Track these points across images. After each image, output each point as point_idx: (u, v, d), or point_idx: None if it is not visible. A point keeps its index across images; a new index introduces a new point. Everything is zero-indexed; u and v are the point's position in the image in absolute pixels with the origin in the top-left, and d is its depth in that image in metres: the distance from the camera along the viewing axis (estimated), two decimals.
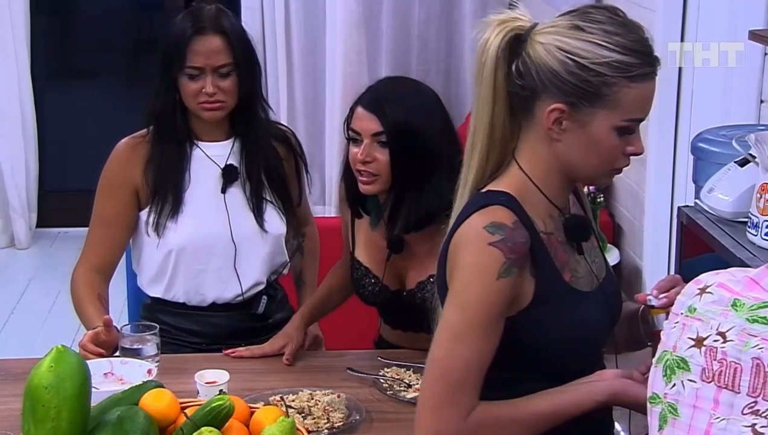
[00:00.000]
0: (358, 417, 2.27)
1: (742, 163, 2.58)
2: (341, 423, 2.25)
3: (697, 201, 2.72)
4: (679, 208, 2.88)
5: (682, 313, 1.44)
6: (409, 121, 2.42)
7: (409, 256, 2.53)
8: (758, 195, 2.42)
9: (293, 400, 2.32)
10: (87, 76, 6.35)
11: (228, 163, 2.69)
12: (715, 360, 1.36)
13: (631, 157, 1.84)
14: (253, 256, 2.73)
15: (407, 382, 2.44)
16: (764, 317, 1.31)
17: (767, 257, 2.32)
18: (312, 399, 2.32)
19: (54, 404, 1.79)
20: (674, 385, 1.42)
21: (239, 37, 2.63)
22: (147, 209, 2.67)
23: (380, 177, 2.44)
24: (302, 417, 2.25)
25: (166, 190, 2.65)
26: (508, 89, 1.80)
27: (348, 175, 2.53)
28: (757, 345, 1.31)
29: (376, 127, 2.42)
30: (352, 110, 2.48)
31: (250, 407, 1.98)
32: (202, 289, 2.72)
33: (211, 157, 2.69)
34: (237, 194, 2.70)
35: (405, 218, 2.47)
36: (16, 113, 5.71)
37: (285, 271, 2.84)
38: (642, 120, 1.81)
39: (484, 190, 1.85)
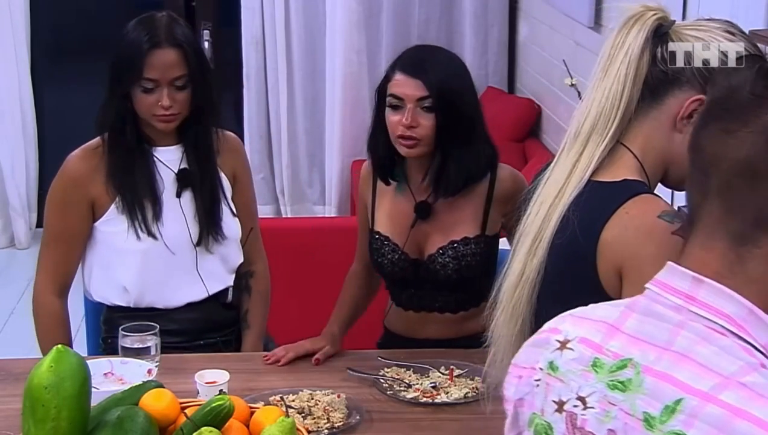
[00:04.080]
0: (358, 417, 2.28)
1: None
2: (341, 423, 2.25)
3: None
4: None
5: (542, 369, 1.35)
6: (451, 85, 2.46)
7: (433, 221, 2.56)
8: None
9: (293, 400, 2.32)
10: (87, 75, 6.33)
11: (181, 167, 2.69)
12: (576, 428, 1.29)
13: None
14: (214, 258, 2.72)
15: (407, 382, 2.44)
16: (623, 383, 1.24)
17: None
18: (312, 399, 2.32)
19: (54, 404, 1.79)
20: None
21: (194, 48, 2.64)
22: (126, 220, 2.64)
23: (423, 141, 2.47)
24: (302, 417, 2.25)
25: (141, 196, 2.64)
26: (647, 73, 1.80)
27: (375, 142, 2.55)
28: (615, 416, 1.24)
29: (421, 92, 2.44)
30: (388, 77, 2.50)
31: (250, 407, 1.99)
32: (174, 293, 2.71)
33: (164, 161, 2.69)
34: (191, 198, 2.70)
35: (452, 181, 2.50)
36: (16, 113, 5.71)
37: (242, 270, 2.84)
38: None
39: (607, 180, 1.80)
